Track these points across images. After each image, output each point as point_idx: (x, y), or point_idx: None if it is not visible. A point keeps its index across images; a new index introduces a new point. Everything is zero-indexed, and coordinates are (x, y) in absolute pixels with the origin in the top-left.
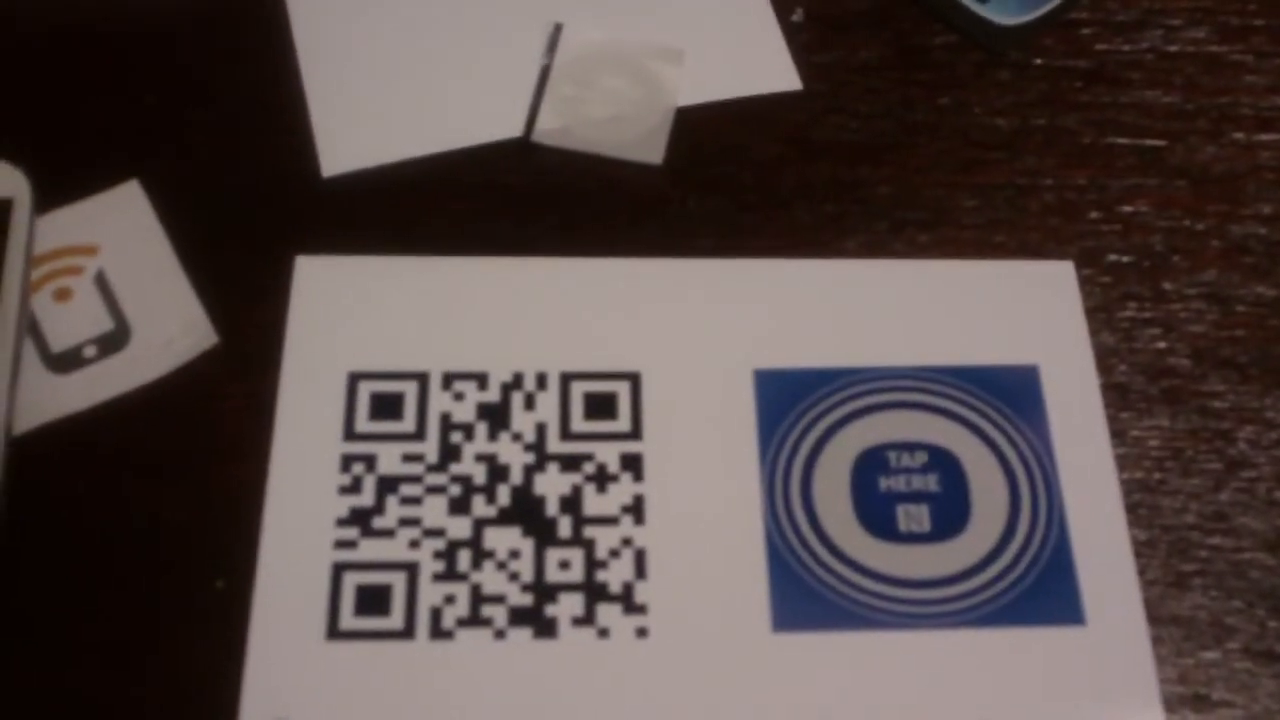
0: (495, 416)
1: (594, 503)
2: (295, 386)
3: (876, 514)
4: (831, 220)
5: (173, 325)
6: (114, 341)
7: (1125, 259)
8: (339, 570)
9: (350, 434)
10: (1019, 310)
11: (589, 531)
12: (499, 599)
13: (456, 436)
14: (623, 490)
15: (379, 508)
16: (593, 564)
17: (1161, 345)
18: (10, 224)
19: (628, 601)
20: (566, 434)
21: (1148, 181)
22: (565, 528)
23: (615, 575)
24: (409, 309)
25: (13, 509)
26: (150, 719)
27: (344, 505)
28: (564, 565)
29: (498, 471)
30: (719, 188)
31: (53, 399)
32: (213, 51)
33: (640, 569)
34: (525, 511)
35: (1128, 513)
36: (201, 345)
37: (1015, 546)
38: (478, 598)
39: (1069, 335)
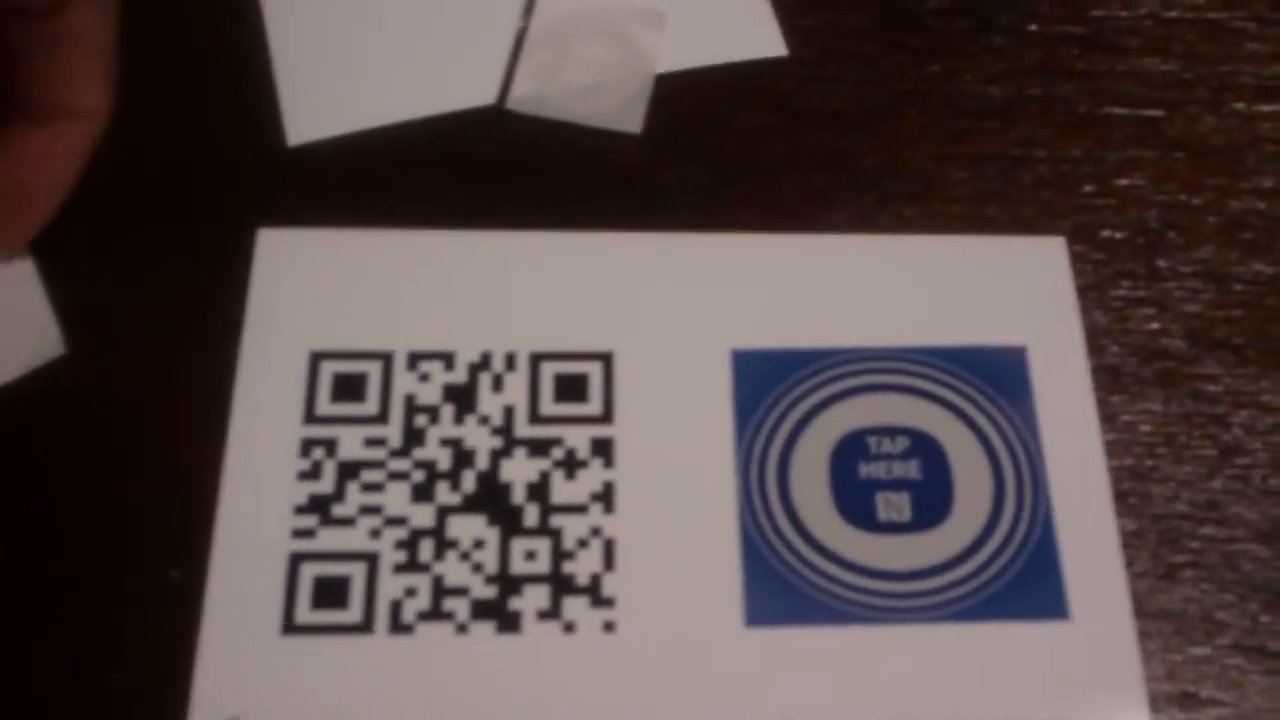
0: (462, 399)
1: (562, 490)
2: (255, 366)
3: (855, 502)
4: (817, 192)
5: (20, 330)
6: None
7: (1119, 235)
8: (296, 561)
9: (311, 417)
10: (1008, 288)
11: (556, 520)
12: (462, 591)
13: (421, 420)
14: (592, 477)
15: (339, 495)
16: (560, 555)
17: (1155, 326)
18: None
19: (595, 594)
20: (535, 417)
21: (1145, 153)
22: (532, 516)
23: (583, 566)
24: (375, 284)
25: None
26: (95, 716)
27: (303, 492)
28: (530, 556)
29: (463, 457)
30: (700, 158)
31: None
32: (173, 14)
33: (609, 560)
34: (491, 499)
35: (1116, 501)
36: (46, 354)
37: (999, 537)
38: (440, 590)
39: (1059, 315)
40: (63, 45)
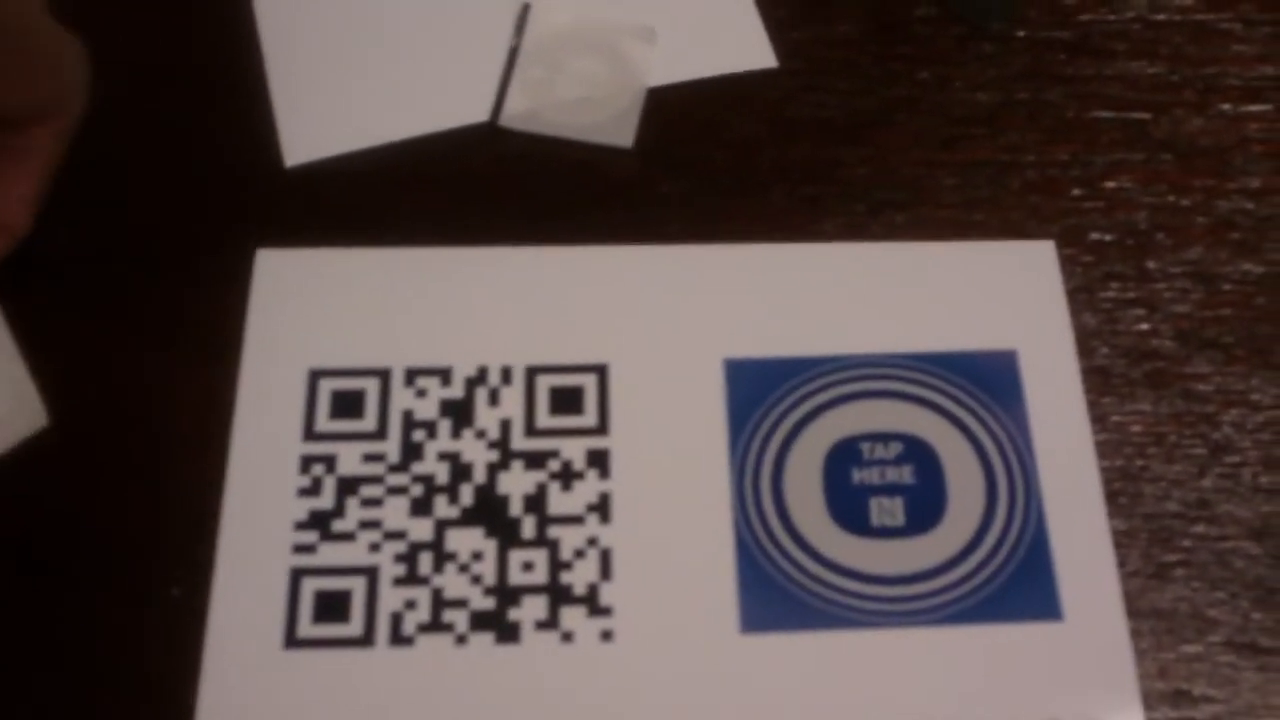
0: (459, 413)
1: (559, 501)
2: (255, 385)
3: (849, 508)
4: (808, 202)
5: (2, 404)
6: None
7: (1108, 237)
8: (297, 576)
9: (310, 434)
10: (998, 293)
11: (553, 531)
12: (461, 603)
13: (419, 434)
14: (588, 488)
15: (339, 510)
16: (557, 565)
17: (1145, 326)
18: None
19: (592, 604)
20: (531, 430)
21: (1132, 156)
22: (529, 528)
23: (580, 576)
24: (372, 302)
25: None
26: None
27: (303, 508)
28: (527, 567)
29: (460, 470)
30: (692, 170)
31: None
32: (171, 40)
33: (605, 570)
34: (488, 512)
35: (1108, 502)
36: (32, 426)
37: (991, 539)
38: (439, 602)
39: (1049, 318)
40: (7, 160)
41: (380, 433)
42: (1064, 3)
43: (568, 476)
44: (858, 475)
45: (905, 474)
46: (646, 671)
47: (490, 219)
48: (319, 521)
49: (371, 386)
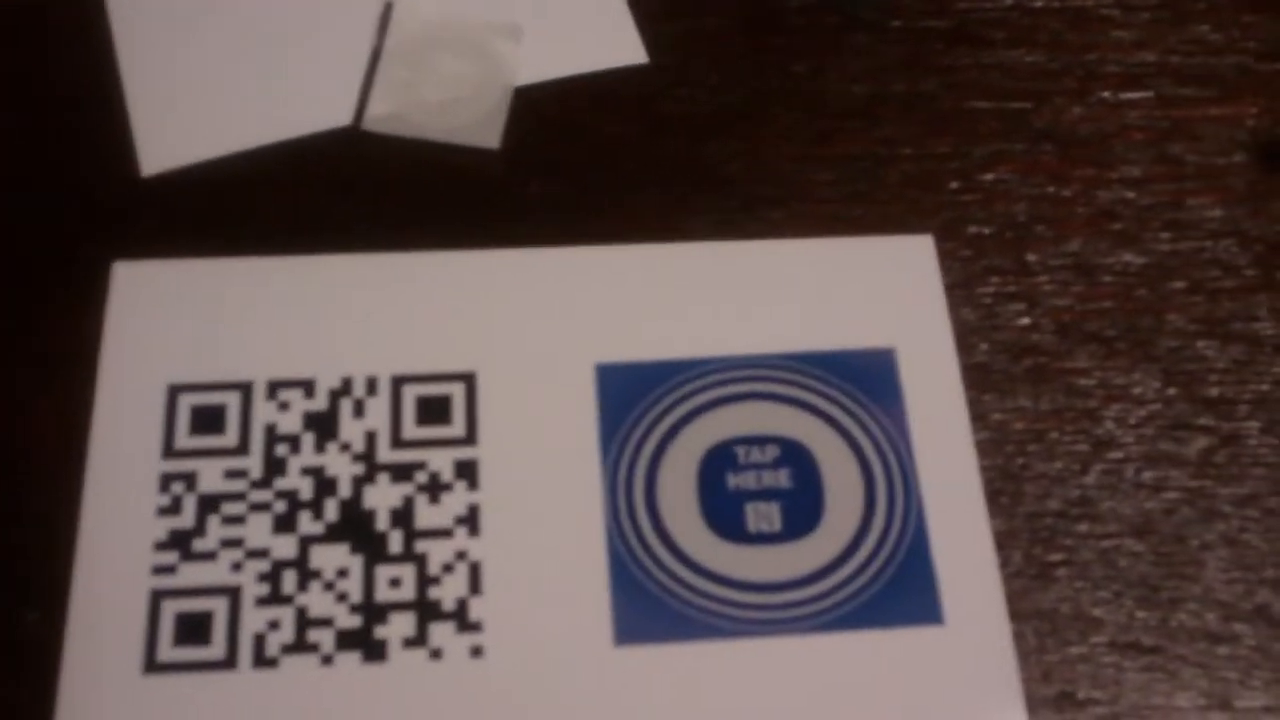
0: (323, 426)
1: (426, 514)
2: (111, 402)
3: (724, 514)
4: (680, 200)
5: None
6: None
7: (987, 230)
8: (157, 598)
9: (169, 451)
10: (875, 289)
11: (421, 546)
12: (326, 622)
13: (282, 449)
14: (457, 500)
15: (200, 529)
16: (425, 580)
17: (1025, 321)
18: None
19: (462, 619)
20: (398, 441)
21: (1012, 147)
22: (396, 542)
23: (449, 591)
24: (233, 314)
25: None
26: None
27: (163, 528)
28: (394, 583)
29: (325, 485)
30: (561, 171)
31: None
32: (18, 42)
33: (475, 584)
34: (354, 527)
35: (989, 501)
36: None
37: (870, 543)
38: (303, 621)
39: (928, 314)
40: None
41: (242, 448)
42: None
43: (435, 489)
44: (733, 480)
45: (782, 478)
46: (517, 687)
47: (354, 225)
48: (179, 541)
49: (233, 401)
